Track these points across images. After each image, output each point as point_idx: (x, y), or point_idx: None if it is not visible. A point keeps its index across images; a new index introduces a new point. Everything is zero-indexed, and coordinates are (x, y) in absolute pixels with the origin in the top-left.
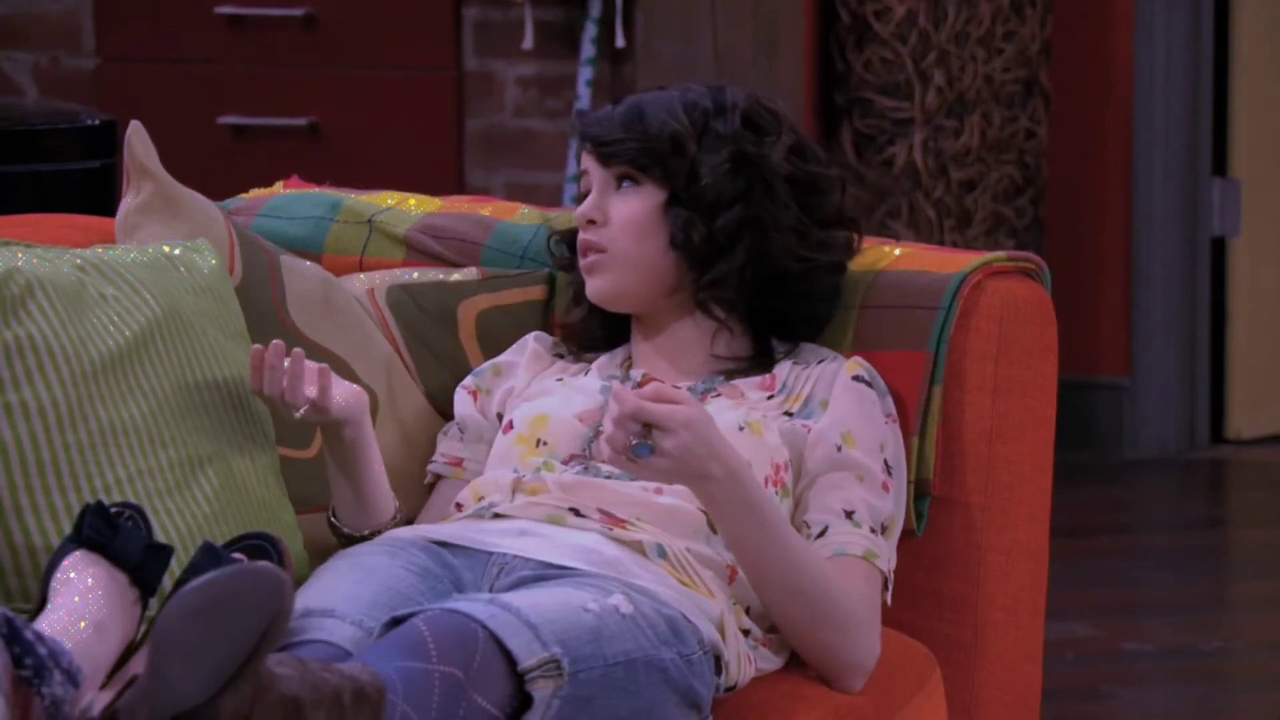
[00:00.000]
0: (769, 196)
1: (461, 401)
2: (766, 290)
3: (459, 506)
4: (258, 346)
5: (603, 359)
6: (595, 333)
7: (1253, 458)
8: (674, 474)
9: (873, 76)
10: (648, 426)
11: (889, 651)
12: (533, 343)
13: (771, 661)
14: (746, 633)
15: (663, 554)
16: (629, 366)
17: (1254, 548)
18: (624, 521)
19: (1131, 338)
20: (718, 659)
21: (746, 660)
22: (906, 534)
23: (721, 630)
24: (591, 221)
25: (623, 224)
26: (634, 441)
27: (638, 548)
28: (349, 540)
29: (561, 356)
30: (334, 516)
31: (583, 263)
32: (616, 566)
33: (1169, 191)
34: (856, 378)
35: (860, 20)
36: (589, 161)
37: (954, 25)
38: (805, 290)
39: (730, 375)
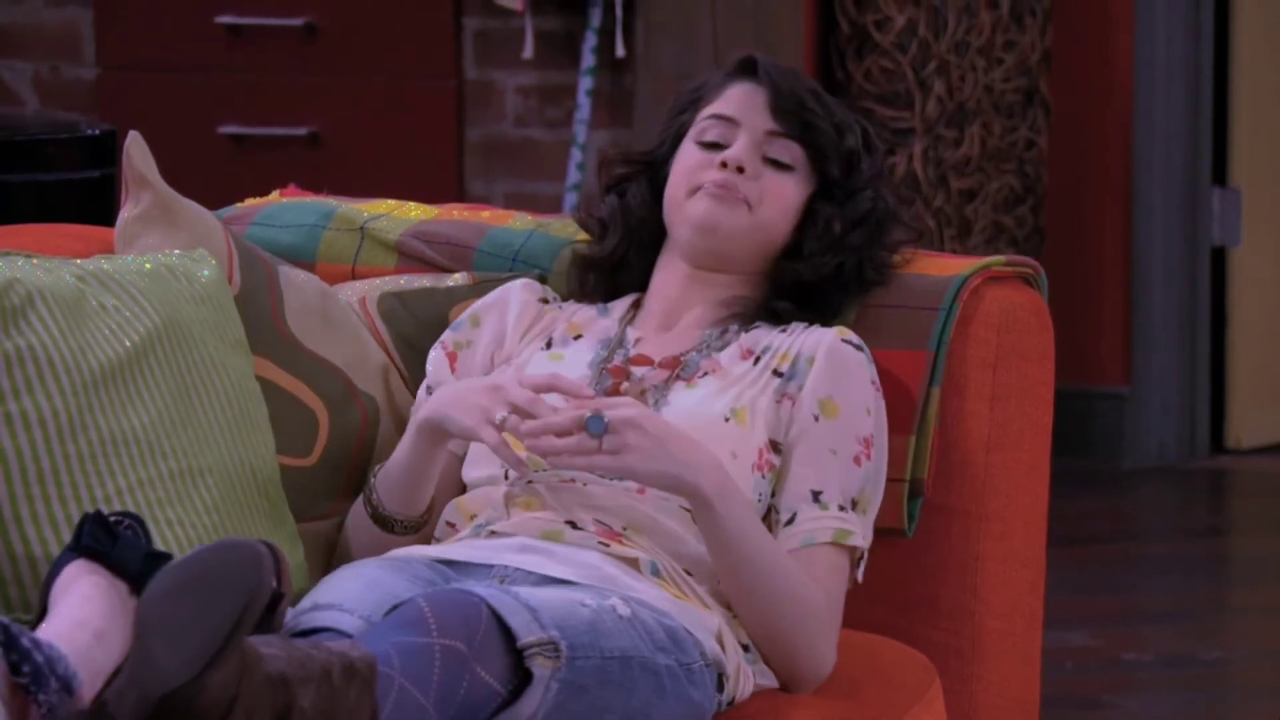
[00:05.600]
0: (883, 235)
1: (437, 362)
2: (837, 289)
3: (451, 526)
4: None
5: (593, 313)
6: (617, 271)
7: (1252, 466)
8: (647, 452)
9: (873, 86)
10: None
11: (887, 661)
12: (519, 292)
13: (769, 677)
14: (746, 648)
15: (656, 571)
16: (628, 323)
17: (1253, 556)
18: (619, 536)
19: (1132, 346)
20: (720, 676)
21: (746, 677)
22: (898, 535)
23: (721, 644)
24: (741, 170)
25: (776, 197)
26: (591, 413)
27: (634, 565)
28: (379, 520)
29: (547, 302)
30: (375, 493)
31: (717, 190)
32: (615, 581)
33: (1169, 201)
34: (845, 341)
35: (860, 30)
36: (752, 112)
37: (954, 35)
38: (863, 292)
39: (724, 331)
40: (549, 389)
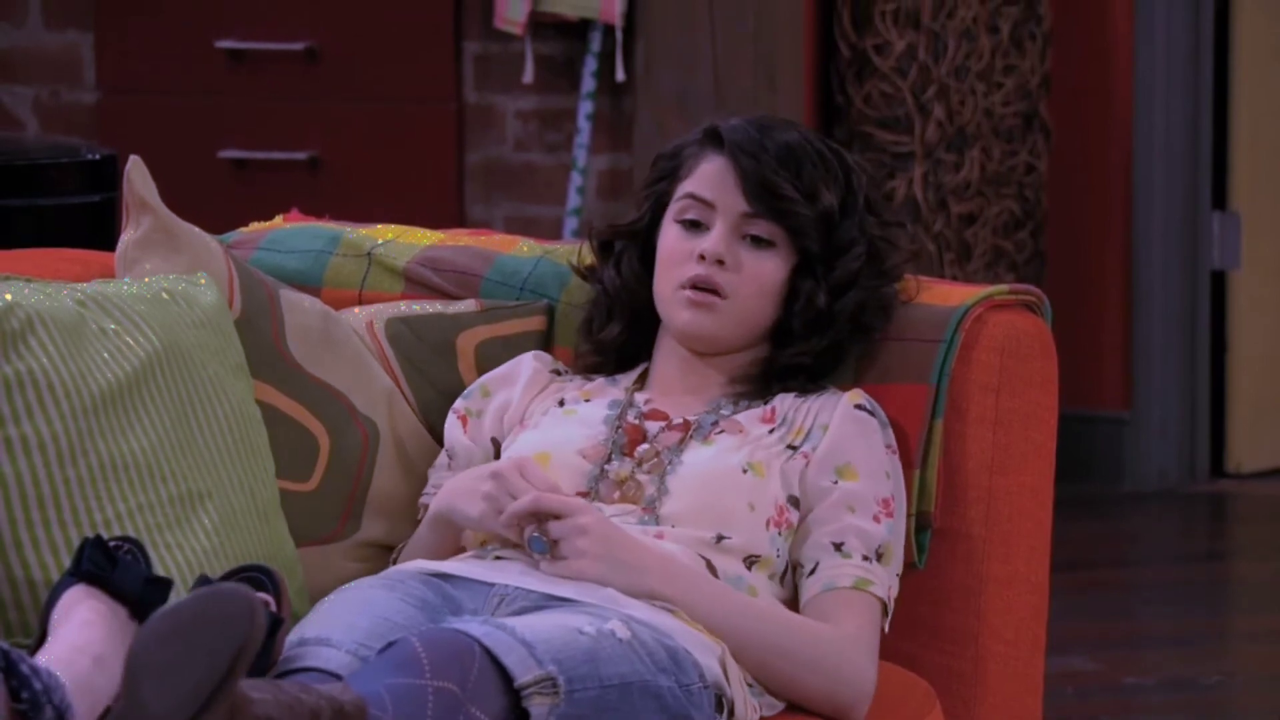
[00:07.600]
0: (878, 279)
1: (451, 427)
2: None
3: (462, 549)
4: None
5: (602, 381)
6: (622, 352)
7: (1253, 491)
8: (596, 556)
9: (873, 110)
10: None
11: (888, 685)
12: (531, 361)
13: (775, 707)
14: (751, 686)
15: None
16: (636, 389)
17: (1254, 581)
18: None
19: (1132, 371)
20: (720, 699)
21: (751, 709)
22: (908, 566)
23: (724, 670)
24: (721, 262)
25: (754, 280)
26: (532, 534)
27: None
28: None
29: (559, 374)
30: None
31: (692, 295)
32: (618, 601)
33: (1169, 225)
34: (859, 406)
35: (860, 54)
36: (725, 193)
37: (954, 59)
38: (866, 350)
39: (736, 401)
40: (541, 496)
